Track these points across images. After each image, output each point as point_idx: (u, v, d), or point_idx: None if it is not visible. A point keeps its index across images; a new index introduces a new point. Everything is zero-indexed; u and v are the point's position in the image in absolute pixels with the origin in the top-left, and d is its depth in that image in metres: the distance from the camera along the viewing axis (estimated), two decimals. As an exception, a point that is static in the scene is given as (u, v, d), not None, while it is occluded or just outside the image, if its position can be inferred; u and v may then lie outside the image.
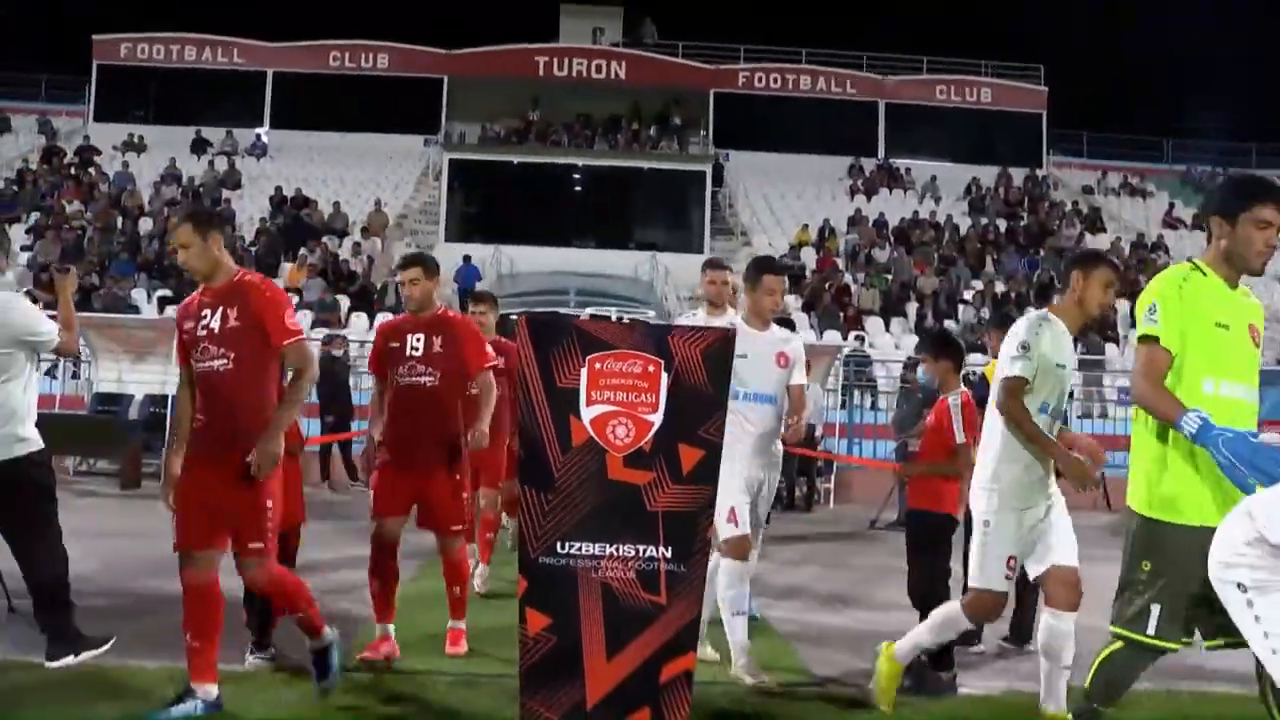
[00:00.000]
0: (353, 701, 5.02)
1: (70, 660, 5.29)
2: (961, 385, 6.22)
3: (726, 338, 3.76)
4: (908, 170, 33.92)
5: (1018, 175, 33.82)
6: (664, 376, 3.64)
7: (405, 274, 6.12)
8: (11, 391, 5.32)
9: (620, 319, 13.39)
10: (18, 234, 25.51)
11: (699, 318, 6.52)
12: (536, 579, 3.57)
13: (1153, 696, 5.54)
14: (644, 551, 3.59)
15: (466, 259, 25.83)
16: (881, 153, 34.79)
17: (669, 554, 3.58)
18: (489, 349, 6.36)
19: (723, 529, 5.55)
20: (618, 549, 3.59)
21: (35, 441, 5.43)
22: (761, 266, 6.19)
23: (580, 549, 3.60)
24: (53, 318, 5.68)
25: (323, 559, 8.64)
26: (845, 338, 22.04)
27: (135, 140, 32.23)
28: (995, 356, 7.21)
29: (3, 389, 5.28)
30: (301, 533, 6.00)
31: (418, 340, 5.92)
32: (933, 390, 6.58)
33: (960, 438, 5.92)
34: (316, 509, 8.05)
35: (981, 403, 6.93)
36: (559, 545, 3.59)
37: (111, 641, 5.41)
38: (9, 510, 5.35)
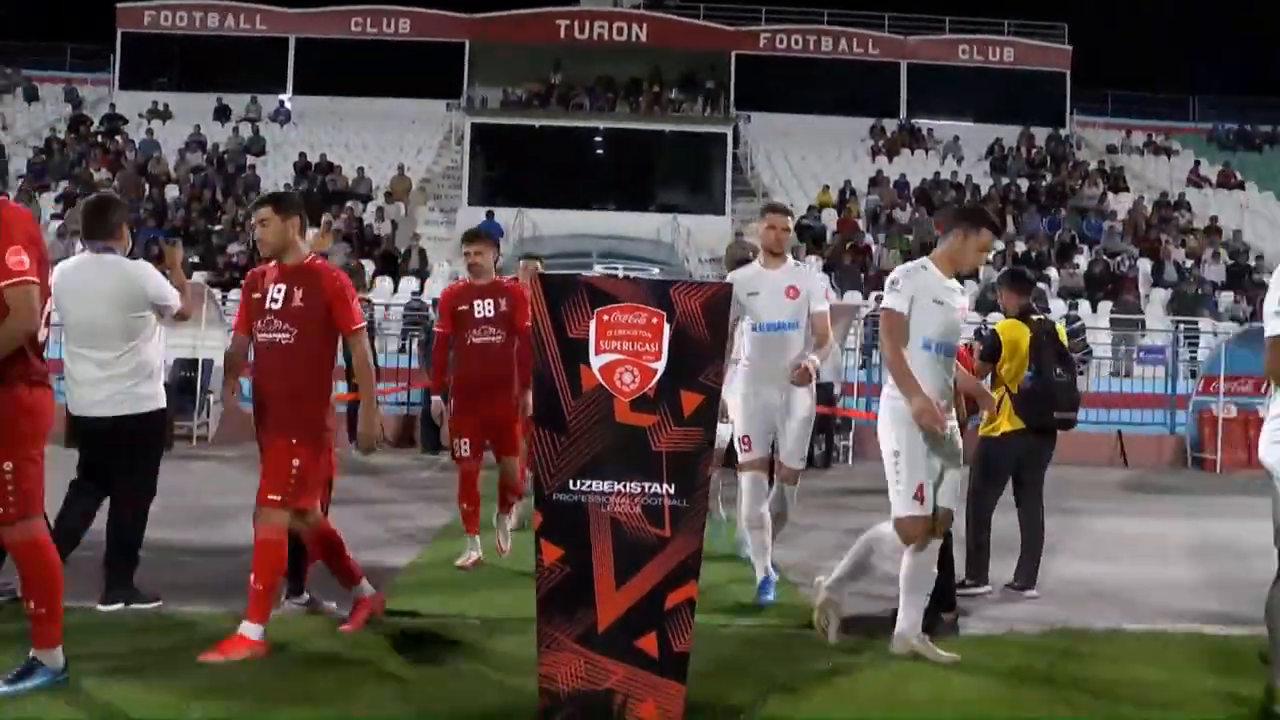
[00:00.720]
0: (382, 644, 5.28)
1: (120, 607, 5.69)
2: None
3: (724, 291, 4.00)
4: (930, 131, 33.84)
5: (1041, 135, 33.68)
6: (666, 327, 3.89)
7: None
8: (148, 351, 5.79)
9: (626, 275, 13.64)
10: (47, 202, 25.95)
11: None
12: (551, 514, 3.85)
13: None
14: (649, 488, 3.86)
15: (490, 214, 26.06)
16: (903, 113, 34.72)
17: (672, 490, 3.85)
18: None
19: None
20: (625, 486, 3.86)
21: (162, 399, 5.91)
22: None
23: (591, 486, 3.87)
24: None
25: (352, 514, 8.96)
26: (866, 298, 22.15)
27: (160, 108, 32.52)
28: (1005, 314, 7.44)
29: (143, 349, 5.76)
30: (334, 486, 6.29)
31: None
32: None
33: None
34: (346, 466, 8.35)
35: (994, 355, 7.21)
36: (571, 483, 3.87)
37: (159, 603, 5.79)
38: (124, 458, 5.79)
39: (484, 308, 7.17)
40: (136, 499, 5.85)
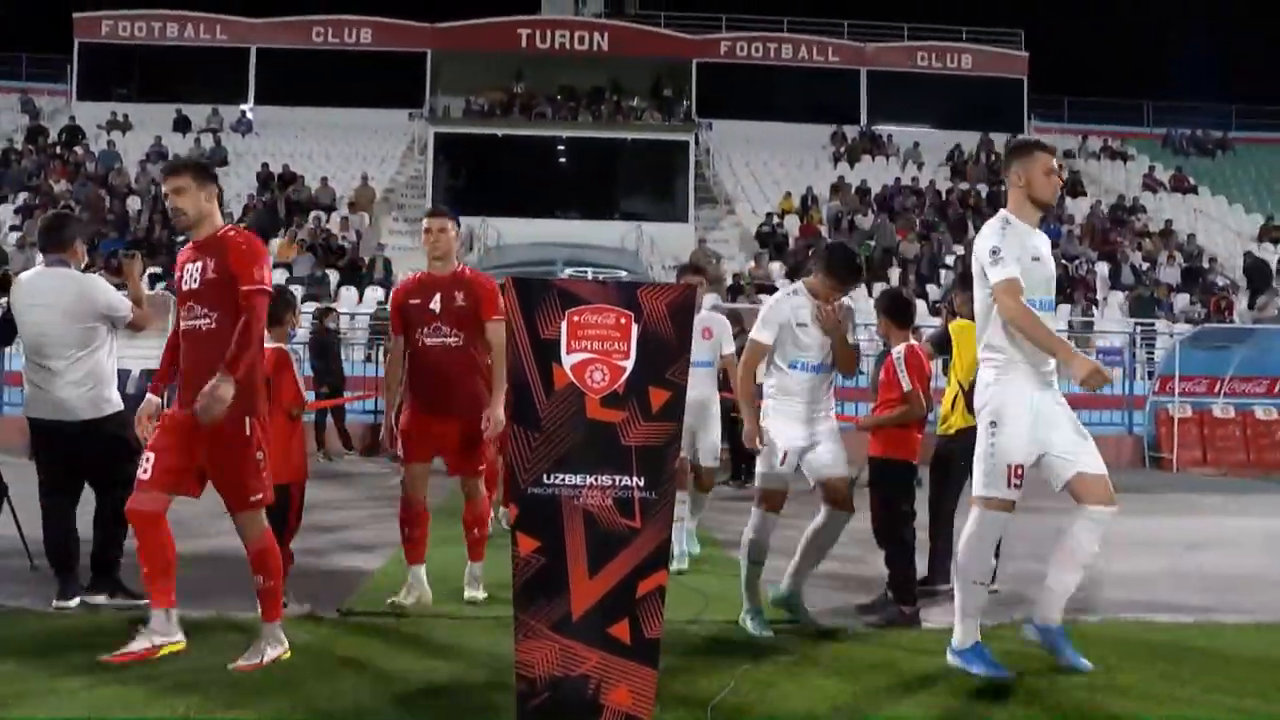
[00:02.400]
0: (364, 643, 5.40)
1: (104, 599, 5.97)
2: (910, 339, 6.57)
3: (688, 293, 4.15)
4: (890, 137, 34.20)
5: (999, 140, 34.07)
6: (634, 327, 4.03)
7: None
8: (100, 360, 6.02)
9: (596, 278, 13.77)
10: (6, 214, 25.75)
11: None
12: (526, 507, 3.98)
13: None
14: (620, 481, 3.99)
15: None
16: (864, 120, 35.05)
17: (641, 483, 3.99)
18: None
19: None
20: (596, 479, 3.99)
21: (117, 403, 6.12)
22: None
23: (564, 480, 4.00)
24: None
25: (325, 519, 9.05)
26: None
27: (120, 119, 32.31)
28: (960, 316, 7.64)
29: (92, 357, 5.98)
30: (305, 489, 6.40)
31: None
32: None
33: (906, 385, 6.31)
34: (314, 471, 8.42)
35: (944, 347, 7.42)
36: (545, 477, 4.00)
37: (145, 602, 5.87)
38: (93, 461, 6.04)
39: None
40: (114, 496, 5.93)
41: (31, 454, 6.17)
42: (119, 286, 6.30)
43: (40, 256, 6.24)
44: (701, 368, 7.31)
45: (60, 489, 6.10)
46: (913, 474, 6.52)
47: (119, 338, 6.26)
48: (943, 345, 7.43)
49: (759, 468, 6.01)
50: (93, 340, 5.98)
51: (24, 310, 6.05)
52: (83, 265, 6.25)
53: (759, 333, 5.92)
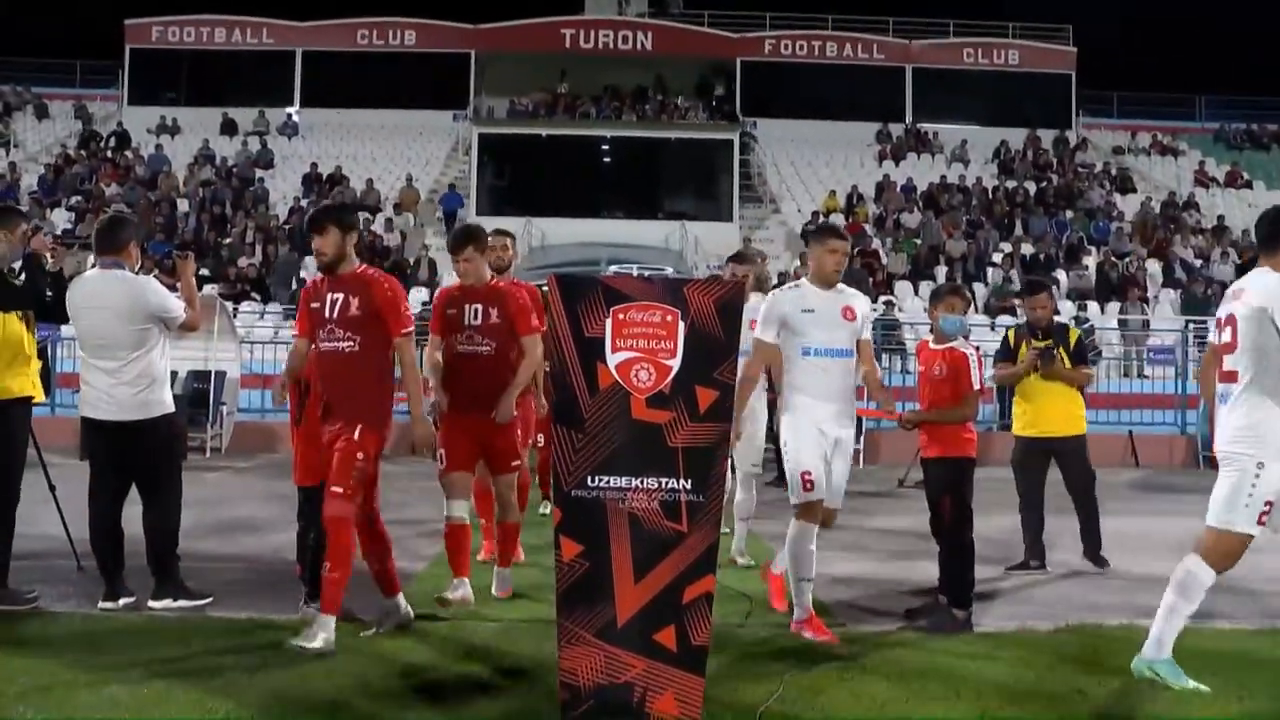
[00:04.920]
0: (403, 647, 5.37)
1: (169, 603, 6.01)
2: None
3: (736, 289, 4.06)
4: (935, 135, 33.86)
5: (1047, 137, 33.69)
6: (681, 325, 3.95)
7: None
8: (153, 360, 6.08)
9: (641, 274, 13.70)
10: (60, 217, 26.12)
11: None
12: (570, 510, 3.91)
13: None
14: (666, 484, 3.91)
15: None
16: (909, 118, 34.73)
17: (689, 486, 3.90)
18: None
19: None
20: (642, 481, 3.91)
21: (170, 404, 6.19)
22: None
23: (609, 482, 3.93)
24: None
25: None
26: (874, 302, 22.17)
27: (169, 123, 32.70)
28: (1038, 319, 7.71)
29: (145, 358, 6.04)
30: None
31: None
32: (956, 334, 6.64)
33: (977, 384, 6.18)
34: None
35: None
36: (589, 479, 3.93)
37: (210, 600, 6.06)
38: (143, 461, 6.09)
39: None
40: (165, 498, 6.10)
41: (83, 454, 6.21)
42: (171, 287, 6.34)
43: (94, 259, 6.27)
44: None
45: (108, 490, 6.12)
46: (974, 469, 6.35)
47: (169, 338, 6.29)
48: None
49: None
50: (146, 341, 6.03)
51: (79, 312, 6.11)
52: (137, 267, 6.28)
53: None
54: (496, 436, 6.27)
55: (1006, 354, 7.98)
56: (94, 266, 6.22)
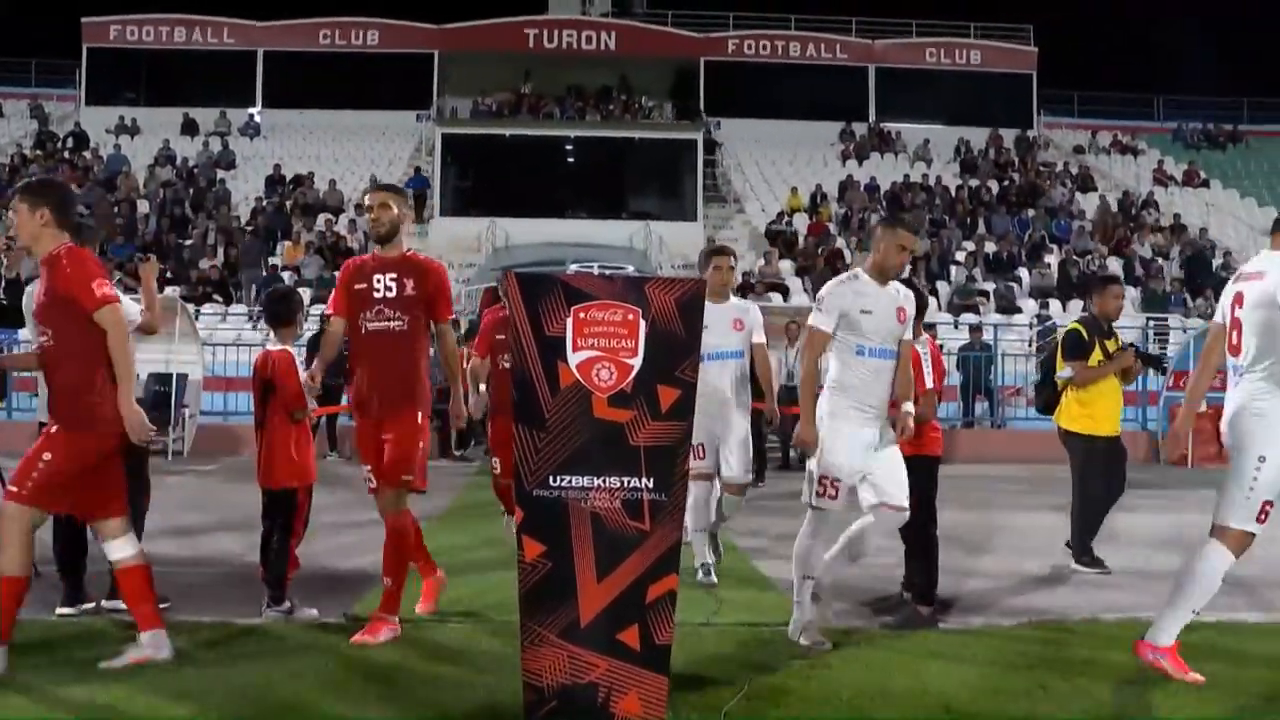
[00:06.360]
0: (368, 647, 5.33)
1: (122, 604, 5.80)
2: (925, 334, 6.39)
3: (697, 288, 4.04)
4: (898, 134, 34.04)
5: (1008, 136, 33.96)
6: (642, 323, 3.93)
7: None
8: None
9: (602, 273, 13.68)
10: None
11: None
12: (531, 510, 3.88)
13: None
14: (628, 483, 3.89)
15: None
16: (872, 117, 34.91)
17: (651, 484, 3.89)
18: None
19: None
20: (604, 481, 3.89)
21: None
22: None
23: (570, 481, 3.91)
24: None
25: (332, 521, 8.96)
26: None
27: (128, 123, 32.34)
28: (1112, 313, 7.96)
29: None
30: (312, 492, 6.31)
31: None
32: None
33: (930, 382, 6.18)
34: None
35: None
36: (551, 479, 3.90)
37: (168, 604, 5.81)
38: None
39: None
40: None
41: None
42: (133, 290, 6.24)
43: None
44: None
45: None
46: (938, 467, 6.37)
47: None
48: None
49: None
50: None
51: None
52: None
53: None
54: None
55: (1080, 351, 7.79)
56: None
